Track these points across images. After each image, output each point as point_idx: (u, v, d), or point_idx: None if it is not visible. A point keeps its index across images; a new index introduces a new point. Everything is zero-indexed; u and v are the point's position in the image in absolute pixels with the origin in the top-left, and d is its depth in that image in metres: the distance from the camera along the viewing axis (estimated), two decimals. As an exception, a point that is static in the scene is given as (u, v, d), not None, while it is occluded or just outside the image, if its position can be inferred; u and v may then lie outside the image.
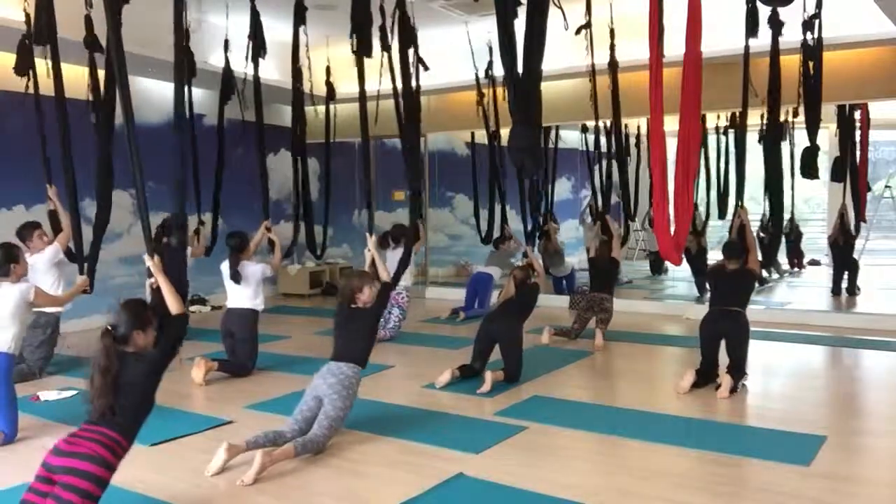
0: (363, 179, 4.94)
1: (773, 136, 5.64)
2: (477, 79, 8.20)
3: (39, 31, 5.16)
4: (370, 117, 5.25)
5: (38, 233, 5.66)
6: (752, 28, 5.46)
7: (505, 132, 4.59)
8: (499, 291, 5.87)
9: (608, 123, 7.72)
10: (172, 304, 3.29)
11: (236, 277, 5.72)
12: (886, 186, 10.94)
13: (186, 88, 5.78)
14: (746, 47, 5.46)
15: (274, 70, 8.28)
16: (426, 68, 6.26)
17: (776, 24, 5.43)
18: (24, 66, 5.66)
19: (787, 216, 10.25)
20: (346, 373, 4.04)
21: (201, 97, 8.53)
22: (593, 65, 6.84)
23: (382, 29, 5.68)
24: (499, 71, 6.03)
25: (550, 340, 6.50)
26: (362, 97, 5.05)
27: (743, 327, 5.04)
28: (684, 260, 8.62)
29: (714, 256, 10.14)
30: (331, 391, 3.94)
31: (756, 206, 8.92)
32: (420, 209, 7.56)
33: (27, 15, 5.41)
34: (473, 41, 7.94)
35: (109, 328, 3.01)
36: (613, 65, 6.85)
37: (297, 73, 6.62)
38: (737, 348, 5.01)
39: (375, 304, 4.36)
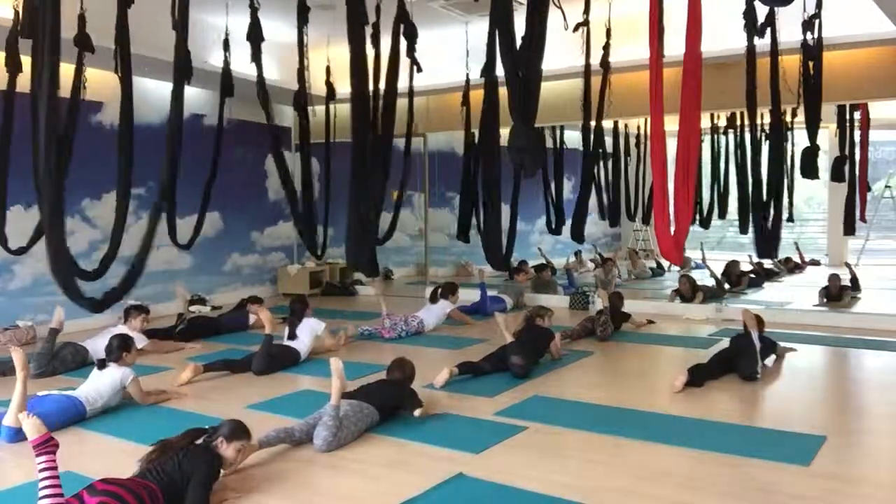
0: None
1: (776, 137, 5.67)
2: (482, 78, 8.16)
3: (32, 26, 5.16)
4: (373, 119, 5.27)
5: (143, 317, 6.42)
6: (751, 28, 5.47)
7: (505, 132, 4.59)
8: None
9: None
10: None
11: (292, 337, 6.12)
12: (886, 186, 10.93)
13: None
14: (751, 48, 5.47)
15: (274, 70, 8.28)
16: (419, 69, 6.28)
17: (764, 27, 5.45)
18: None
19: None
20: (367, 408, 4.20)
21: (202, 97, 8.53)
22: (588, 64, 6.83)
23: (376, 26, 5.69)
24: (498, 71, 6.03)
25: (562, 346, 6.45)
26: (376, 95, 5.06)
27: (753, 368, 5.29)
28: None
29: (712, 257, 10.19)
30: (346, 405, 4.12)
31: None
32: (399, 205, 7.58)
33: (16, 12, 5.39)
34: (474, 41, 7.93)
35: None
36: (606, 65, 6.87)
37: (302, 74, 6.62)
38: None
39: (409, 383, 4.64)
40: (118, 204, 4.97)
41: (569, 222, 11.95)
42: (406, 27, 5.90)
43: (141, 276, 4.84)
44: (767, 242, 5.90)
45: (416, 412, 4.33)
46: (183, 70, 5.01)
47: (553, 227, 10.41)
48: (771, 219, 5.93)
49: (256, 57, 6.26)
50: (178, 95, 4.75)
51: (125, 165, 4.97)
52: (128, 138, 4.97)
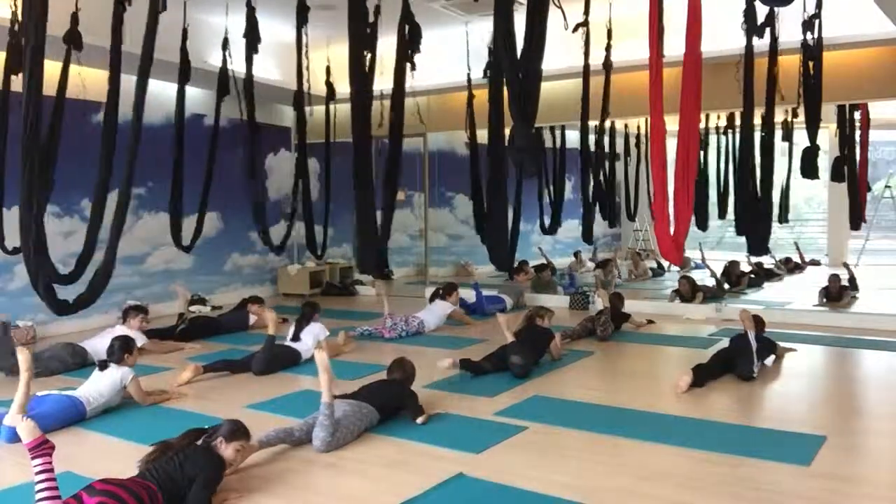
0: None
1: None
2: (484, 78, 8.17)
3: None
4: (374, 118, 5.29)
5: (142, 317, 6.45)
6: (751, 27, 5.48)
7: (505, 132, 4.60)
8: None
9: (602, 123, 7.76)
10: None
11: (296, 338, 6.10)
12: (886, 186, 10.93)
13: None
14: (749, 47, 5.48)
15: (274, 70, 8.29)
16: (413, 68, 6.27)
17: (763, 27, 5.47)
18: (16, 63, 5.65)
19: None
20: (366, 408, 4.21)
21: (201, 97, 8.53)
22: (587, 64, 6.83)
23: (373, 26, 5.69)
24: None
25: (562, 346, 6.42)
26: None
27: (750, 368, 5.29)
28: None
29: (712, 257, 10.20)
30: (346, 405, 4.13)
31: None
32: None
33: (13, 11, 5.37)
34: (474, 41, 7.94)
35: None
36: (607, 66, 6.87)
37: (300, 74, 6.62)
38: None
39: (410, 384, 4.62)
40: (93, 207, 4.85)
41: (566, 223, 12.06)
42: (410, 27, 5.88)
43: (109, 279, 4.75)
44: (758, 240, 5.91)
45: (419, 420, 4.32)
46: (148, 66, 5.02)
47: (547, 227, 10.35)
48: (761, 217, 5.95)
49: (249, 56, 6.27)
50: (141, 89, 4.80)
51: (105, 166, 4.91)
52: (111, 139, 4.91)
